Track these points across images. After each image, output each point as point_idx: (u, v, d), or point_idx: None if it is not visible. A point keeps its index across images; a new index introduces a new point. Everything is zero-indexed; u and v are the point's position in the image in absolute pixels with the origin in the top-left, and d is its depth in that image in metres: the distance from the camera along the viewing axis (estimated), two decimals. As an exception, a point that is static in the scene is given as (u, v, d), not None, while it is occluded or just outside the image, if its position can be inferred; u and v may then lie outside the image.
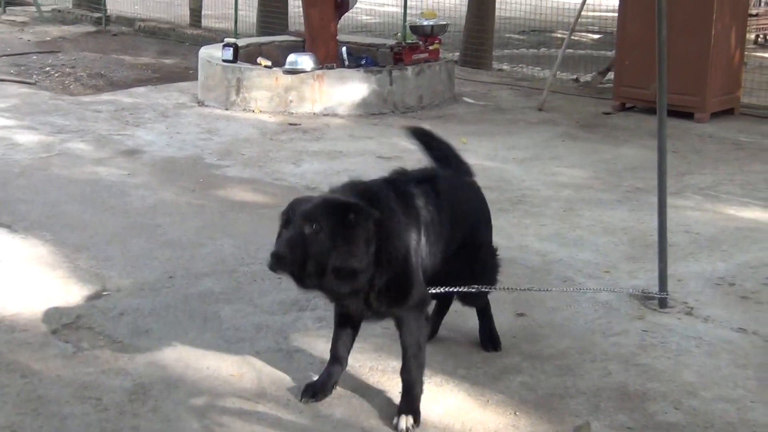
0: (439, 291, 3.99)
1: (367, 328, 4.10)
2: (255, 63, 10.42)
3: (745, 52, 10.74)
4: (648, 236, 5.95)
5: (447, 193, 4.00)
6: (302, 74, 9.88)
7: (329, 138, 8.89)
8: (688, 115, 9.60)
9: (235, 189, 7.13)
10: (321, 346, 4.34)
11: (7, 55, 13.25)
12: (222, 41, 10.85)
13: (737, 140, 9.04)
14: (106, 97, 10.76)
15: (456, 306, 4.45)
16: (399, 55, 10.53)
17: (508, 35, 16.48)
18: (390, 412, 3.80)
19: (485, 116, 10.06)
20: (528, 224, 6.32)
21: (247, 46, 11.29)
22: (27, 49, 13.94)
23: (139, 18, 16.99)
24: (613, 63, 11.33)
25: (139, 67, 12.81)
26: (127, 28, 16.57)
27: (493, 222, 4.40)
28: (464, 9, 14.34)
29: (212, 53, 10.68)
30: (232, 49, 10.28)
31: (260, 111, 9.89)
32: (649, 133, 8.91)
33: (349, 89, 9.98)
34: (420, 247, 3.77)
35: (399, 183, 3.88)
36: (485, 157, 7.89)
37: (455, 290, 4.11)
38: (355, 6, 11.56)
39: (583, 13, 10.66)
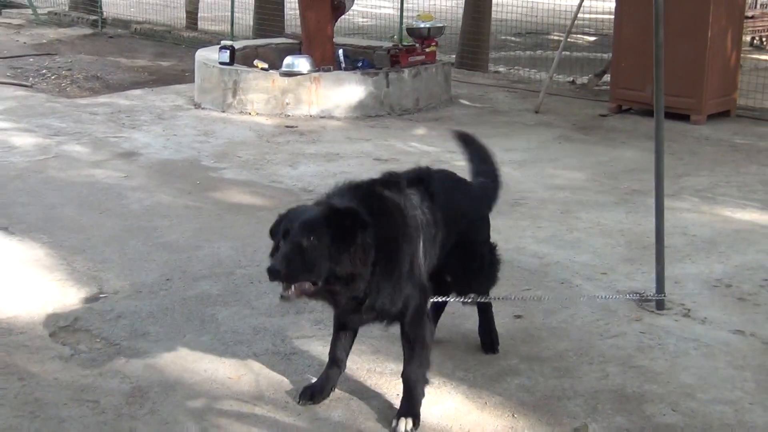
0: (437, 300, 4.01)
1: (365, 330, 4.10)
2: (251, 65, 10.42)
3: (741, 55, 10.75)
4: (645, 238, 5.95)
5: (440, 193, 3.99)
6: (299, 76, 9.88)
7: (326, 140, 8.89)
8: (684, 117, 9.61)
9: (231, 191, 7.12)
10: (319, 349, 4.34)
11: (4, 58, 13.24)
12: (218, 44, 10.84)
13: (733, 142, 9.06)
14: (102, 99, 10.75)
15: (454, 307, 4.45)
16: (396, 58, 10.54)
17: (504, 37, 16.49)
18: (389, 414, 3.80)
19: (482, 118, 10.06)
20: (525, 226, 6.32)
21: (244, 48, 11.30)
22: (23, 52, 13.92)
23: (135, 20, 16.98)
24: (609, 65, 11.34)
25: (136, 69, 12.80)
26: (123, 31, 16.56)
27: (491, 224, 4.40)
28: (460, 11, 14.34)
29: (209, 56, 10.68)
30: (228, 51, 10.28)
31: (257, 113, 9.89)
32: (646, 135, 8.93)
33: (346, 91, 9.98)
34: (417, 249, 3.77)
35: (392, 185, 3.86)
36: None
37: (454, 299, 4.12)
38: (352, 8, 11.55)
39: (579, 15, 10.68)
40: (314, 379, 4.01)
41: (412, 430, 3.67)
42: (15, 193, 6.92)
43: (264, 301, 4.94)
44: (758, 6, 17.59)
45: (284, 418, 3.80)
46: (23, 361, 4.25)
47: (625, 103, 10.33)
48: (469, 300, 4.17)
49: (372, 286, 3.56)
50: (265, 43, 12.00)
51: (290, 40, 12.05)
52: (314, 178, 7.48)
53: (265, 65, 10.36)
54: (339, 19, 11.35)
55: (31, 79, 11.84)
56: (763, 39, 16.45)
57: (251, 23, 15.60)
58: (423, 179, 4.00)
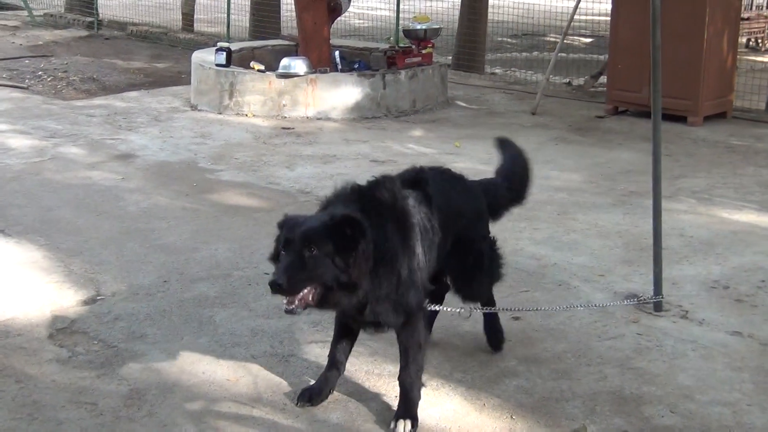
0: (437, 309, 4.03)
1: (363, 332, 4.09)
2: (248, 67, 10.42)
3: (738, 56, 10.77)
4: (642, 240, 5.96)
5: (437, 195, 3.98)
6: (295, 78, 9.88)
7: (323, 142, 8.88)
8: (681, 119, 9.62)
9: (228, 193, 7.12)
10: (317, 351, 4.34)
11: (-1, 60, 13.24)
12: (215, 45, 10.84)
13: (730, 143, 9.07)
14: (98, 101, 10.74)
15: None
16: (392, 59, 10.54)
17: (500, 39, 16.49)
18: (387, 416, 3.80)
19: (479, 120, 10.07)
20: (522, 228, 6.32)
21: (240, 50, 11.29)
22: (19, 54, 13.90)
23: (131, 22, 16.96)
24: (605, 66, 11.34)
25: (132, 71, 12.78)
26: (119, 33, 16.54)
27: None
28: (457, 13, 14.35)
29: (205, 57, 10.67)
30: (225, 53, 10.28)
31: (253, 115, 9.88)
32: (642, 137, 8.94)
33: (343, 93, 9.98)
34: (416, 252, 3.76)
35: (391, 189, 3.85)
36: (479, 160, 7.88)
37: (452, 310, 4.12)
38: (348, 10, 11.55)
39: (575, 16, 10.68)
40: (312, 381, 4.01)
41: (410, 431, 3.67)
42: (11, 195, 6.90)
43: (262, 303, 4.93)
44: (754, 8, 17.62)
45: (282, 420, 3.80)
46: (21, 363, 4.24)
47: (621, 105, 10.34)
48: (469, 315, 4.18)
49: (373, 293, 3.56)
50: (261, 45, 12.00)
51: (287, 42, 12.05)
52: (311, 179, 7.47)
53: (262, 67, 10.35)
54: (335, 21, 11.36)
55: (27, 81, 11.82)
56: (759, 41, 16.48)
57: (247, 25, 15.59)
58: (420, 181, 3.99)
